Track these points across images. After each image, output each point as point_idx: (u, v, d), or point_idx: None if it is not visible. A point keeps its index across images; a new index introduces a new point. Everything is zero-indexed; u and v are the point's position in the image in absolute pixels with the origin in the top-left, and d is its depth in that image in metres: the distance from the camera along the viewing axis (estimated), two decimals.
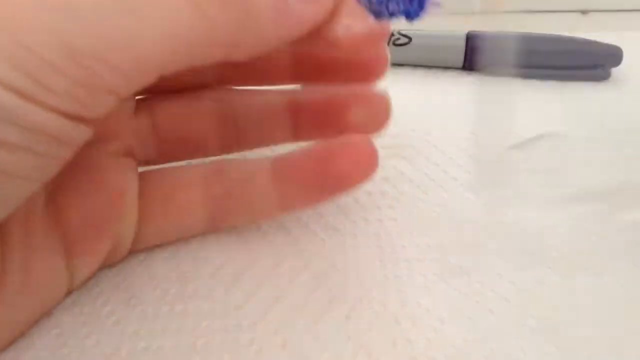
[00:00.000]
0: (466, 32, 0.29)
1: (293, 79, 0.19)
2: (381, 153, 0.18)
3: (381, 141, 0.19)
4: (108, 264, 0.18)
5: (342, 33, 0.14)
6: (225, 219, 0.19)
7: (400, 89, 0.21)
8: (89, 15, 0.12)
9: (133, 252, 0.18)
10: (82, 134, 0.13)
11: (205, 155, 0.20)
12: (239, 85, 0.20)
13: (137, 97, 0.19)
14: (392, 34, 0.29)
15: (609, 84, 0.28)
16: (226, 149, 0.20)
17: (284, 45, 0.14)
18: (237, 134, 0.19)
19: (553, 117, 0.25)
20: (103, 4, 0.12)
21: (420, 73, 0.29)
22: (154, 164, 0.19)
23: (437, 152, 0.23)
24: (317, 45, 0.15)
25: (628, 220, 0.20)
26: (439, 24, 0.29)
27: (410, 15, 0.15)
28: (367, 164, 0.18)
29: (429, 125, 0.25)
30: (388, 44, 0.29)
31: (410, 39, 0.29)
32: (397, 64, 0.30)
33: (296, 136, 0.20)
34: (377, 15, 0.14)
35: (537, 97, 0.27)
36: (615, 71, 0.28)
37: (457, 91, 0.28)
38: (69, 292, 0.17)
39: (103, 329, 0.16)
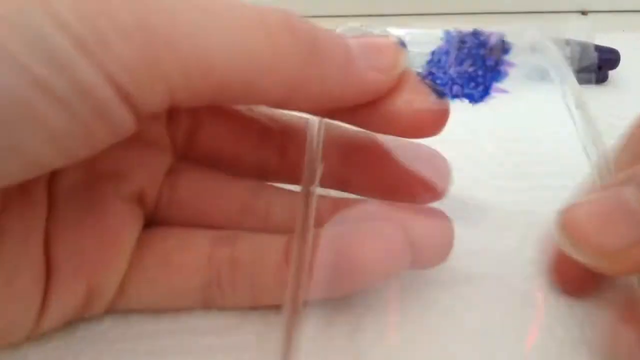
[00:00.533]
0: None
1: (337, 186, 0.18)
2: None
3: None
4: (84, 315, 0.16)
5: (402, 107, 0.14)
6: (223, 294, 0.16)
7: None
8: (169, 1, 0.12)
9: (116, 309, 0.17)
10: (121, 121, 0.12)
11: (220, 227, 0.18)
12: (277, 182, 0.18)
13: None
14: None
15: (607, 86, 0.28)
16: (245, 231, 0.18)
17: (342, 104, 0.14)
18: (263, 227, 0.17)
19: (550, 120, 0.25)
20: None
21: None
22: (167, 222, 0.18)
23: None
24: (377, 119, 0.14)
25: None
26: (436, 25, 0.29)
27: (474, 99, 0.15)
28: (393, 255, 0.15)
29: None
30: None
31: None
32: None
33: None
34: (440, 95, 0.14)
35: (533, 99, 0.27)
36: (612, 74, 0.28)
37: None
38: (34, 332, 0.15)
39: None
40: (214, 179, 0.18)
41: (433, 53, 0.15)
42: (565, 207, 0.13)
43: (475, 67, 0.14)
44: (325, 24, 0.14)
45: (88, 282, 0.15)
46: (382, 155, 0.17)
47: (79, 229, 0.15)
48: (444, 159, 0.17)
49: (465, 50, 0.14)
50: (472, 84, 0.14)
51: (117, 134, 0.12)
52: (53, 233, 0.15)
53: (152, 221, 0.17)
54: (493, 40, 0.14)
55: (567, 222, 0.13)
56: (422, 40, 0.15)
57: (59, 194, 0.15)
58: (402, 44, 0.14)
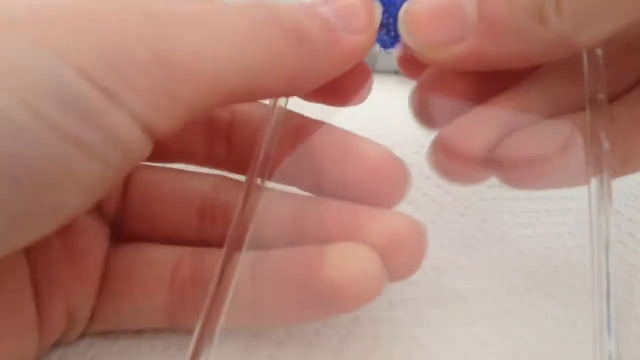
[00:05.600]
0: None
1: (292, 181, 0.17)
2: None
3: None
4: (65, 340, 0.16)
5: None
6: (187, 315, 0.16)
7: (386, 96, 0.20)
8: (170, 25, 0.12)
9: (91, 332, 0.16)
10: (144, 149, 0.12)
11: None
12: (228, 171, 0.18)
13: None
14: None
15: None
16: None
17: (331, 77, 0.14)
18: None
19: None
20: (183, 19, 0.12)
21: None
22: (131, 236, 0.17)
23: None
24: None
25: None
26: None
27: (385, 45, 0.15)
28: (368, 275, 0.14)
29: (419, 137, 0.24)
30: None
31: None
32: (382, 71, 0.30)
33: None
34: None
35: None
36: None
37: None
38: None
39: None
40: (167, 179, 0.17)
41: None
42: None
43: (389, 15, 0.15)
44: None
45: (67, 302, 0.15)
46: (344, 149, 0.16)
47: (49, 247, 0.15)
48: (397, 159, 0.16)
49: (386, 0, 0.15)
50: (384, 30, 0.15)
51: (135, 161, 0.12)
52: (33, 258, 0.14)
53: (118, 236, 0.17)
54: None
55: (409, 10, 0.14)
56: None
57: None
58: None
